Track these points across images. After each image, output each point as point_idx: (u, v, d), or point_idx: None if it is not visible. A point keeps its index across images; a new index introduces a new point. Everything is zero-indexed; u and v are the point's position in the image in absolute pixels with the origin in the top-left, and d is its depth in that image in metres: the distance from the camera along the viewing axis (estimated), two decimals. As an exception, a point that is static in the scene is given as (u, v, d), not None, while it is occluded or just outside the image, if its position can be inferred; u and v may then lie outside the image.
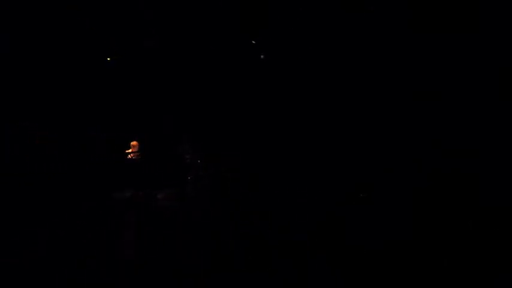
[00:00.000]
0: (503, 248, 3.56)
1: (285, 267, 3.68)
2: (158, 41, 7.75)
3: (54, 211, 6.23)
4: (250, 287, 3.44)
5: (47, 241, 5.01)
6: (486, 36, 5.63)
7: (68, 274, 4.02)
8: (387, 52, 6.83)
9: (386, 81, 6.86)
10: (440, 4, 5.99)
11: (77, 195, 6.94)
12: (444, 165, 5.57)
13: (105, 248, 4.73)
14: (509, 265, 3.30)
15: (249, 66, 7.93)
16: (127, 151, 7.70)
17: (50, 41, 6.99)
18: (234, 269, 3.74)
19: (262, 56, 7.84)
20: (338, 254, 3.95)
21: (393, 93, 6.74)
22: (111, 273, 3.98)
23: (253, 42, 7.70)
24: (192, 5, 7.31)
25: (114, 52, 7.65)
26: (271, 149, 7.76)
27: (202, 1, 7.18)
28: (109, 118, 8.00)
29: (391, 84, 6.80)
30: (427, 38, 6.28)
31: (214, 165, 8.06)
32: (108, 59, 7.59)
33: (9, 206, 6.02)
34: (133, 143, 7.73)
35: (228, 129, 8.20)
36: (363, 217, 5.18)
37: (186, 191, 7.80)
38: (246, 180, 7.60)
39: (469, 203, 4.76)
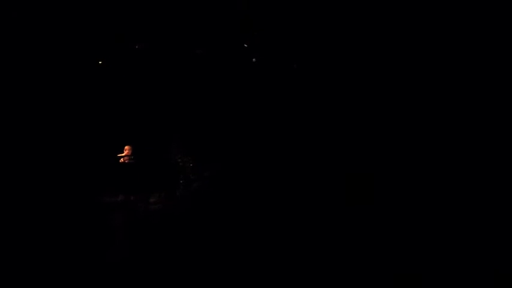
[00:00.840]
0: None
1: (278, 269, 3.71)
2: (149, 44, 7.71)
3: (47, 215, 6.17)
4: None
5: (40, 243, 4.96)
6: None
7: (59, 275, 4.00)
8: (372, 56, 6.95)
9: (373, 83, 6.98)
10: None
11: (68, 198, 6.87)
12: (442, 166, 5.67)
13: (97, 251, 4.69)
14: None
15: (241, 69, 7.95)
16: (119, 155, 7.63)
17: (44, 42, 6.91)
18: (226, 270, 3.76)
19: (254, 60, 7.87)
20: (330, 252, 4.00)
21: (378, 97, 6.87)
22: (102, 275, 3.96)
23: (245, 45, 7.74)
24: (184, 7, 7.30)
25: (105, 55, 7.58)
26: (263, 151, 7.80)
27: (194, 4, 7.17)
28: (101, 122, 7.92)
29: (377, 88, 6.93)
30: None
31: (206, 168, 8.06)
32: (100, 62, 7.52)
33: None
34: (127, 147, 7.68)
35: (219, 132, 8.20)
36: (356, 217, 5.24)
37: (177, 194, 7.77)
38: (238, 182, 7.62)
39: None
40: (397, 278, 3.36)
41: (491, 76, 5.73)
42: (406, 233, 4.41)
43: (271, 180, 7.30)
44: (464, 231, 4.17)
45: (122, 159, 7.63)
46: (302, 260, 3.88)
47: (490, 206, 4.66)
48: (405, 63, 6.52)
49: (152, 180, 7.75)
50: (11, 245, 4.95)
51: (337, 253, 4.02)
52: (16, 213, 6.00)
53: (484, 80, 5.77)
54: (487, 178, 5.24)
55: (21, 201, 6.33)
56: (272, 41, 7.68)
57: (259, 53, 7.80)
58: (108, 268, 4.15)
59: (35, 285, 3.96)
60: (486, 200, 4.84)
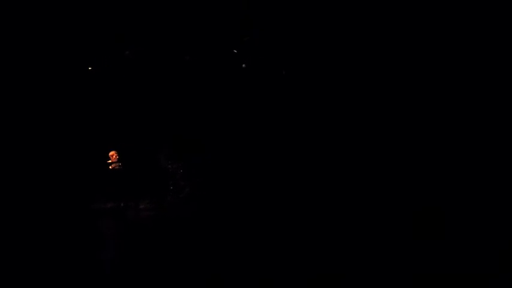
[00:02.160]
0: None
1: (274, 271, 3.72)
2: (140, 51, 7.73)
3: (38, 222, 6.14)
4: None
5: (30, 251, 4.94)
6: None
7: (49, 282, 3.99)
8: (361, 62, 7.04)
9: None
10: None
11: (58, 206, 6.83)
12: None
13: (87, 258, 4.68)
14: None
15: (231, 74, 7.99)
16: (108, 161, 7.59)
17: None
18: (220, 274, 3.76)
19: (243, 65, 7.91)
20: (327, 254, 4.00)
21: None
22: (93, 282, 3.95)
23: (235, 51, 7.78)
24: (175, 12, 7.32)
25: (94, 61, 7.57)
26: (253, 155, 7.82)
27: (185, 9, 7.19)
28: (91, 129, 7.89)
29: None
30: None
31: (197, 174, 8.06)
32: (90, 68, 7.51)
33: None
34: (111, 153, 7.61)
35: (210, 138, 8.21)
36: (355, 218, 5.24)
37: (168, 200, 7.75)
38: (229, 187, 7.63)
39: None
40: (396, 278, 3.37)
41: (491, 76, 5.77)
42: (404, 232, 4.42)
43: (262, 183, 7.32)
44: (463, 230, 4.18)
45: (111, 166, 7.58)
46: (295, 263, 3.89)
47: (489, 206, 4.66)
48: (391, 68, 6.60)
49: (142, 186, 7.73)
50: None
51: (329, 255, 4.03)
52: (6, 219, 5.98)
53: (484, 80, 5.81)
54: (482, 178, 5.27)
55: (11, 208, 6.30)
56: (262, 47, 7.74)
57: (248, 59, 7.85)
58: (99, 275, 4.13)
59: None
60: (484, 199, 4.84)
